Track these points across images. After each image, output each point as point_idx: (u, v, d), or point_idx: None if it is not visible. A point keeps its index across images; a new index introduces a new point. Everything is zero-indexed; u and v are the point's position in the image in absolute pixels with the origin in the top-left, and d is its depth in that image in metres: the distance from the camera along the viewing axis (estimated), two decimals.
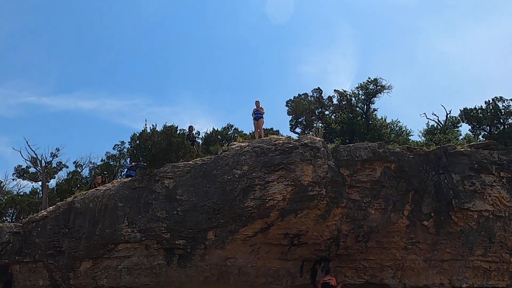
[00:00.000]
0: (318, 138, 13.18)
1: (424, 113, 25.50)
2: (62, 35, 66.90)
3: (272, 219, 11.95)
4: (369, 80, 23.00)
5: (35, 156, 26.07)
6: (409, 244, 13.31)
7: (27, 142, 25.81)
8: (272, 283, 12.95)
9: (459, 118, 24.31)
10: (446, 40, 63.61)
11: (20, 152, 26.57)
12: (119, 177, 23.50)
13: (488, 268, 13.77)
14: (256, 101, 15.37)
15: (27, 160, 26.56)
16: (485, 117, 22.40)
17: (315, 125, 24.18)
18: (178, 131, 14.85)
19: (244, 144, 13.33)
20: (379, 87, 22.83)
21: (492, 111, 22.24)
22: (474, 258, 13.62)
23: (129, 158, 16.98)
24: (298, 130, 25.23)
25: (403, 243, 13.28)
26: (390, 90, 22.93)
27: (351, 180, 12.92)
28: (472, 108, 23.23)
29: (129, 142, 14.90)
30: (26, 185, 33.83)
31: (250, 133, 20.87)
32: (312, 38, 69.90)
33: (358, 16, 67.29)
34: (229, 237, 12.06)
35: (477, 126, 22.96)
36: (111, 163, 26.40)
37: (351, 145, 13.81)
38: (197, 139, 20.35)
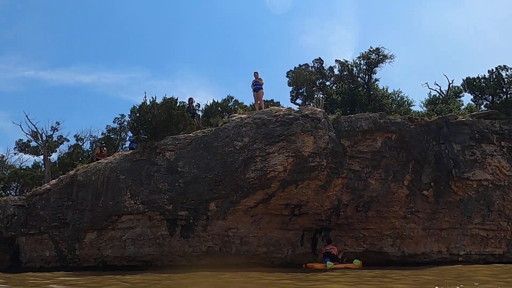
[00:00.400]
0: (319, 109, 13.08)
1: (426, 83, 25.32)
2: (58, 8, 65.34)
3: (273, 190, 12.04)
4: (371, 49, 22.61)
5: (35, 130, 26.08)
6: (409, 213, 13.49)
7: (27, 116, 25.78)
8: (273, 252, 13.22)
9: (461, 87, 24.09)
10: (450, 9, 62.07)
11: (21, 126, 26.58)
12: (120, 150, 23.58)
13: (486, 236, 14.01)
14: (255, 72, 15.12)
15: (27, 134, 26.61)
16: (487, 86, 22.17)
17: (316, 96, 23.98)
18: (178, 104, 14.71)
19: (245, 115, 13.25)
20: (381, 57, 22.46)
21: (495, 80, 21.98)
22: (472, 226, 13.83)
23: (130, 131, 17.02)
24: (299, 101, 25.05)
25: (403, 212, 13.45)
26: (392, 60, 22.59)
27: (352, 151, 12.93)
28: (475, 77, 22.95)
29: (129, 115, 14.78)
30: (28, 159, 34.09)
31: (250, 104, 20.73)
32: (313, 8, 68.22)
33: None
34: (230, 208, 12.20)
35: (480, 95, 22.77)
36: (112, 136, 26.41)
37: (352, 115, 13.73)
38: (197, 111, 20.26)
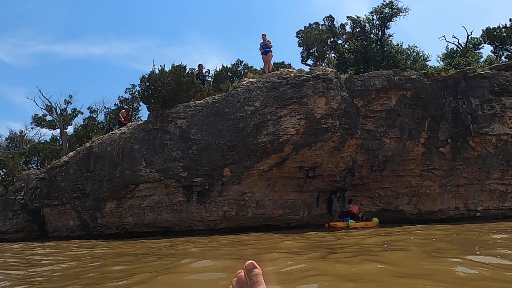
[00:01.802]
0: (331, 69, 12.73)
1: (443, 36, 24.42)
2: None
3: (286, 153, 12.01)
4: (384, 3, 21.57)
5: (49, 104, 26.38)
6: (425, 171, 13.35)
7: (40, 91, 26.02)
8: (289, 215, 13.41)
9: (480, 39, 22.99)
10: None
11: (35, 101, 27.05)
12: (133, 120, 23.74)
13: (505, 191, 13.83)
14: (263, 34, 14.67)
15: (42, 108, 26.97)
16: (509, 36, 21.09)
17: (327, 55, 23.31)
18: (187, 71, 14.49)
19: (255, 79, 13.02)
20: (395, 10, 21.45)
21: None
22: (490, 181, 13.64)
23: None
24: (310, 62, 24.42)
25: (419, 170, 13.32)
26: (406, 13, 21.57)
27: (366, 110, 12.67)
28: (495, 27, 21.82)
29: (139, 85, 14.68)
30: (46, 133, 34.75)
31: (260, 68, 20.32)
32: None
33: None
34: (245, 172, 12.28)
35: (500, 46, 21.72)
36: (125, 106, 26.52)
37: (365, 74, 13.33)
38: (207, 77, 20.01)
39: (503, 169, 13.53)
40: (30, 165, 25.56)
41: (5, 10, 60.11)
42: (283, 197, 13.27)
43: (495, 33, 21.61)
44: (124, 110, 17.80)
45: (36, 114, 28.54)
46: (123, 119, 16.79)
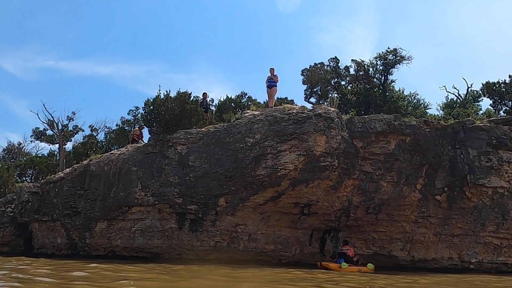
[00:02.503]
0: (333, 109, 12.95)
1: (444, 86, 24.80)
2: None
3: (283, 188, 11.99)
4: (388, 50, 22.27)
5: (51, 119, 26.53)
6: (420, 217, 13.29)
7: (43, 105, 26.21)
8: (281, 251, 13.20)
9: (480, 92, 23.54)
10: (471, 10, 60.71)
11: (37, 114, 27.06)
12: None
13: (499, 245, 13.71)
14: (271, 68, 15.02)
15: (44, 122, 27.08)
16: (508, 91, 21.63)
17: (330, 95, 23.76)
18: (191, 98, 14.72)
19: (257, 112, 13.21)
20: (398, 58, 22.11)
21: None
22: (485, 234, 13.55)
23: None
24: (313, 100, 24.85)
25: (414, 216, 13.26)
26: (409, 61, 22.22)
27: (365, 152, 12.77)
28: (495, 82, 22.41)
29: (143, 108, 14.85)
30: (44, 147, 34.70)
31: (264, 101, 20.65)
32: (332, 7, 67.56)
33: None
34: (240, 204, 12.20)
35: (499, 100, 22.23)
36: (126, 128, 26.67)
37: (366, 116, 13.55)
38: (210, 106, 20.28)
39: (498, 222, 13.48)
40: (25, 178, 25.36)
41: (18, 24, 61.72)
42: (276, 232, 13.11)
43: (494, 87, 22.17)
44: (137, 128, 17.84)
45: (37, 128, 28.63)
46: (136, 137, 16.81)
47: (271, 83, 14.90)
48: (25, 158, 29.16)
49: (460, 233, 13.56)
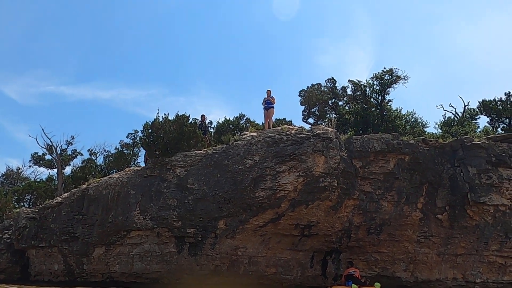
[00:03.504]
0: (331, 129, 13.00)
1: (441, 105, 24.93)
2: (81, 25, 67.49)
3: (282, 209, 11.89)
4: (385, 70, 22.51)
5: (50, 143, 26.55)
6: (422, 237, 13.13)
7: (43, 130, 26.30)
8: (282, 274, 12.96)
9: (477, 110, 23.67)
10: (466, 29, 61.90)
11: (36, 139, 27.11)
12: (133, 165, 23.77)
13: (504, 264, 13.50)
14: (268, 90, 15.19)
15: (43, 147, 27.08)
16: (504, 109, 21.76)
17: (328, 115, 23.88)
18: (190, 120, 14.79)
19: (256, 134, 13.24)
20: (394, 78, 22.32)
21: None
22: (489, 253, 13.36)
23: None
24: (311, 120, 24.97)
25: (416, 236, 13.10)
26: (406, 81, 22.40)
27: (364, 172, 12.74)
28: (491, 99, 22.58)
29: (141, 131, 14.90)
30: (43, 172, 34.60)
31: (262, 123, 20.71)
32: (329, 28, 68.88)
33: (376, 5, 65.89)
34: (239, 226, 12.06)
35: (496, 118, 22.32)
36: (125, 151, 26.69)
37: (365, 136, 13.58)
38: (209, 128, 20.34)
39: (501, 241, 13.31)
40: (23, 204, 25.17)
41: (21, 50, 62.64)
42: (277, 254, 12.91)
43: (491, 105, 22.32)
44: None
45: (35, 153, 28.62)
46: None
47: (268, 104, 15.02)
48: (23, 183, 29.00)
49: (464, 253, 13.36)
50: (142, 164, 18.94)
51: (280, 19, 67.32)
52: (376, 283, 12.14)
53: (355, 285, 11.65)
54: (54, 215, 14.66)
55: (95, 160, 27.39)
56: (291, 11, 65.50)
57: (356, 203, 12.57)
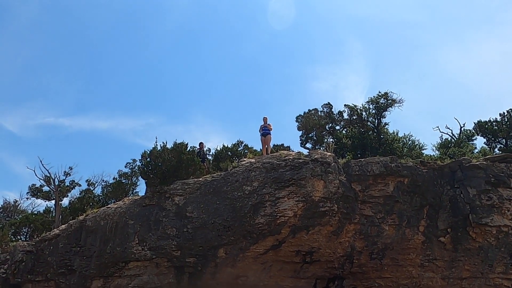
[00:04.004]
0: (329, 153, 13.05)
1: (437, 127, 25.05)
2: (78, 57, 68.59)
3: (283, 236, 11.76)
4: (380, 94, 22.81)
5: (48, 175, 26.36)
6: (426, 261, 12.92)
7: (41, 161, 26.16)
8: None
9: (473, 131, 23.83)
10: (458, 54, 63.21)
11: (34, 171, 26.86)
12: (131, 195, 23.58)
13: (510, 286, 13.23)
14: (264, 117, 15.42)
15: (40, 179, 26.86)
16: (500, 129, 21.92)
17: (325, 140, 23.98)
18: (188, 148, 14.85)
19: (254, 160, 13.27)
20: (390, 101, 22.58)
21: (507, 123, 21.75)
22: (494, 275, 13.12)
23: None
24: (308, 145, 25.04)
25: (419, 260, 12.90)
26: (401, 104, 22.64)
27: (364, 196, 12.68)
28: (487, 120, 22.79)
29: (140, 160, 14.92)
30: (40, 204, 34.18)
31: (260, 149, 20.77)
32: (323, 55, 70.28)
33: (367, 32, 67.49)
34: (240, 254, 11.89)
35: (493, 139, 22.46)
36: (123, 181, 26.52)
37: (363, 159, 13.62)
38: (207, 156, 20.35)
39: (506, 263, 13.10)
40: (19, 237, 24.74)
41: (19, 83, 63.35)
42: (279, 282, 12.65)
43: (486, 126, 22.50)
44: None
45: (33, 184, 28.35)
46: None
47: (265, 131, 15.16)
48: (20, 216, 28.62)
49: (469, 276, 13.11)
50: (141, 193, 18.83)
51: (276, 47, 68.77)
52: None
53: None
54: (51, 247, 14.39)
55: (93, 191, 27.15)
56: (287, 40, 67.06)
57: (357, 227, 12.45)
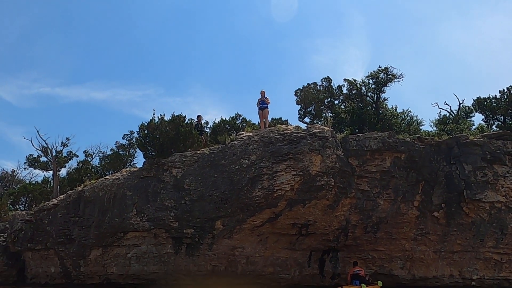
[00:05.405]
0: (327, 128, 13.02)
1: (436, 103, 24.99)
2: (75, 27, 67.10)
3: (280, 209, 11.89)
4: (380, 69, 22.53)
5: (45, 145, 26.33)
6: (419, 235, 13.18)
7: (37, 132, 26.07)
8: (280, 273, 12.97)
9: (472, 107, 23.76)
10: (460, 29, 62.26)
11: (31, 141, 26.82)
12: (129, 166, 23.65)
13: (500, 260, 13.59)
14: (262, 91, 15.25)
15: (38, 149, 26.85)
16: (499, 106, 21.84)
17: (324, 114, 23.89)
18: (186, 121, 14.75)
19: (252, 133, 13.23)
20: (389, 76, 22.33)
21: (507, 100, 21.63)
22: (485, 249, 13.45)
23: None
24: (307, 120, 24.94)
25: (413, 234, 13.16)
26: (401, 79, 22.42)
27: (360, 170, 12.77)
28: (486, 97, 22.68)
29: (137, 132, 14.85)
30: (38, 174, 34.29)
31: (258, 123, 20.69)
32: (324, 28, 69.00)
33: (370, 5, 66.08)
34: (237, 226, 12.06)
35: (491, 116, 22.41)
36: (121, 152, 26.54)
37: (361, 135, 13.62)
38: (205, 128, 20.29)
39: (497, 238, 13.40)
40: (18, 206, 24.96)
41: (15, 53, 62.20)
42: (275, 254, 12.91)
43: (485, 103, 22.38)
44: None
45: (31, 155, 28.33)
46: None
47: (263, 105, 15.04)
48: (18, 186, 28.76)
49: (460, 250, 13.43)
50: (139, 165, 18.86)
51: (277, 21, 67.35)
52: (378, 282, 12.23)
53: (364, 285, 11.73)
54: (50, 217, 14.55)
55: (91, 162, 27.19)
56: (288, 13, 65.54)
57: (353, 201, 12.59)
